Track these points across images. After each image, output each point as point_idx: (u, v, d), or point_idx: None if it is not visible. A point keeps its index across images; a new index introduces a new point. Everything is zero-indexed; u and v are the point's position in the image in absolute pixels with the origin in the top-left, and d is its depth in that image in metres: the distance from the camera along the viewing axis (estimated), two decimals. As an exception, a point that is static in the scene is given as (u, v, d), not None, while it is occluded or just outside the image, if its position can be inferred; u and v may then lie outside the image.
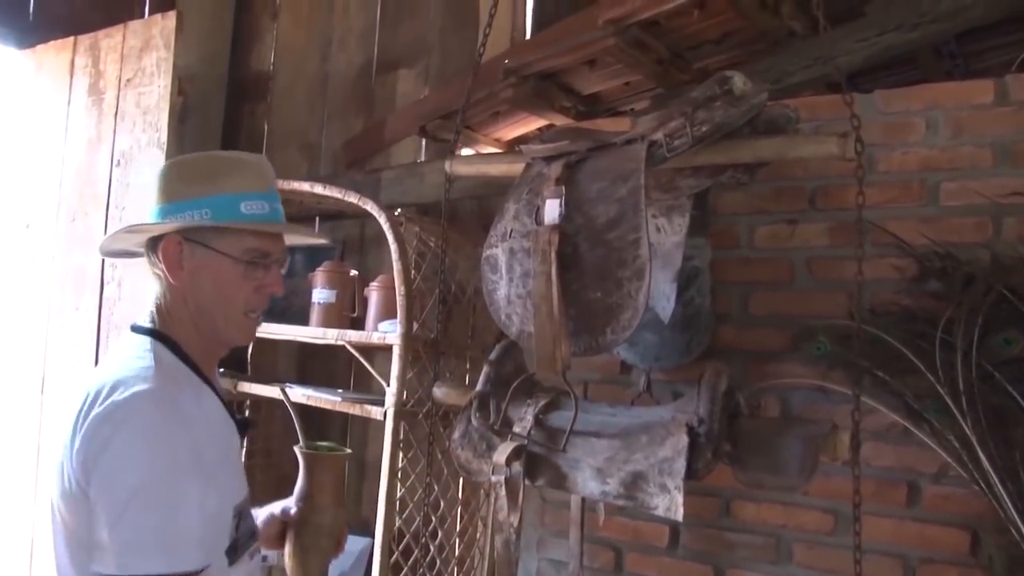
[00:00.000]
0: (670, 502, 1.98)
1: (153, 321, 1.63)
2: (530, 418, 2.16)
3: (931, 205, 2.28)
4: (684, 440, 1.97)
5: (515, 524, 2.27)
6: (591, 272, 1.99)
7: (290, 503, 1.87)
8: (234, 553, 1.56)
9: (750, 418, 2.09)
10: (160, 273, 1.63)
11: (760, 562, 2.40)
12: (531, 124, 3.44)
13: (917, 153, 2.30)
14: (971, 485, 2.05)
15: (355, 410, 2.79)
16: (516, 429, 2.16)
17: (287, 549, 1.84)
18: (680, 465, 1.97)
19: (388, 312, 2.84)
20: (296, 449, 1.88)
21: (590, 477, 2.05)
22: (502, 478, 2.13)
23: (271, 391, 3.02)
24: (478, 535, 2.97)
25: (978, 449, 2.01)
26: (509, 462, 2.11)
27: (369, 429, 3.47)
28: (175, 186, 1.62)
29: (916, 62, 3.68)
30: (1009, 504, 1.99)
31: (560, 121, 3.30)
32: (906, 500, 2.25)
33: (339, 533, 1.84)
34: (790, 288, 2.40)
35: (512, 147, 3.49)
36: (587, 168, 2.14)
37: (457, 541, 2.93)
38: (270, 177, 1.70)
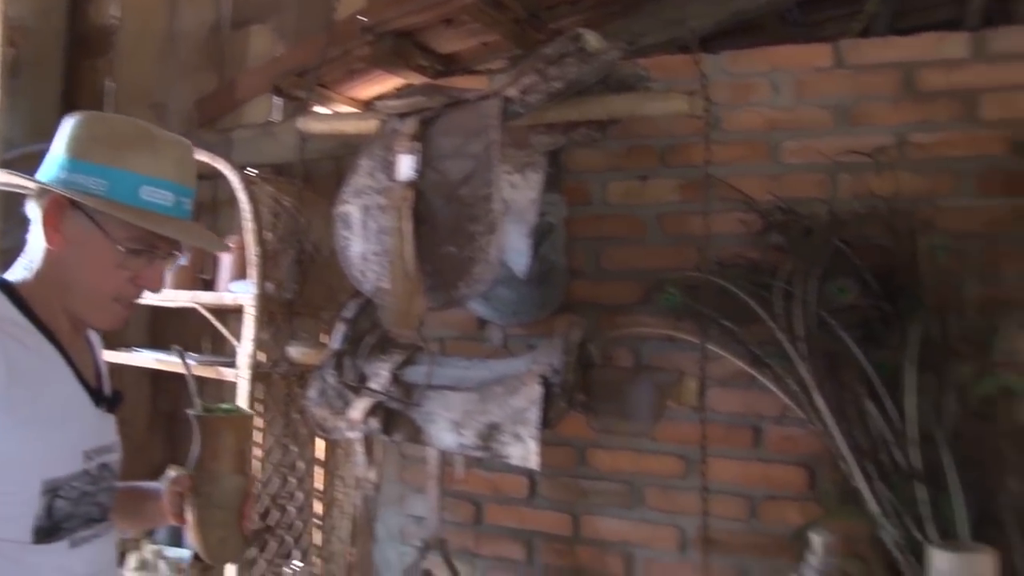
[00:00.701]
0: (525, 451, 2.02)
1: (25, 270, 1.48)
2: (386, 374, 2.16)
3: (774, 163, 2.38)
4: (538, 391, 2.01)
5: (373, 479, 2.28)
6: (445, 227, 2.00)
7: (179, 474, 1.70)
8: (49, 534, 1.40)
9: (603, 368, 2.15)
10: (37, 227, 1.45)
11: (615, 507, 2.49)
12: (388, 83, 3.41)
13: (761, 113, 2.40)
14: (808, 426, 2.18)
15: (209, 373, 2.72)
16: (372, 385, 2.15)
17: (187, 522, 1.65)
18: (534, 415, 2.01)
19: (241, 273, 2.77)
20: (189, 413, 1.75)
21: (446, 430, 2.07)
22: (359, 434, 2.12)
23: (122, 357, 2.91)
24: (338, 494, 2.95)
25: (813, 391, 2.12)
26: (365, 418, 2.10)
27: (227, 394, 3.39)
28: (83, 143, 1.45)
29: (765, 29, 3.81)
30: (840, 440, 2.12)
31: (417, 80, 3.28)
32: (751, 442, 2.36)
33: (240, 503, 1.66)
34: (642, 243, 2.47)
35: (368, 106, 3.45)
36: (441, 125, 2.13)
37: (318, 501, 2.90)
38: (187, 166, 1.52)
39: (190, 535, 1.65)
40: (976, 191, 2.20)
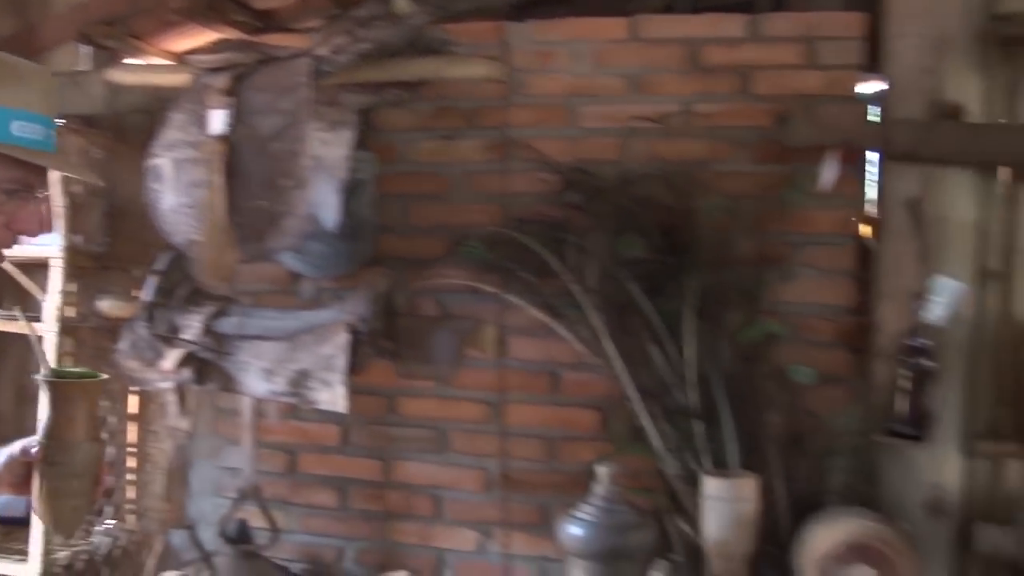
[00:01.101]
0: (333, 395, 2.13)
1: None
2: (198, 325, 2.21)
3: (573, 127, 2.54)
4: (345, 338, 2.12)
5: (186, 429, 2.32)
6: (256, 181, 2.06)
7: (32, 441, 1.59)
8: None
9: (408, 317, 2.27)
10: None
11: (424, 452, 2.62)
12: (203, 37, 3.37)
13: (562, 80, 2.55)
14: (600, 370, 2.38)
15: (11, 327, 2.67)
16: (184, 336, 2.20)
17: (34, 493, 1.55)
18: (342, 361, 2.11)
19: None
20: (37, 378, 1.57)
21: (258, 378, 2.14)
22: (171, 384, 2.16)
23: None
24: (151, 449, 2.95)
25: (603, 339, 2.32)
26: (178, 368, 2.15)
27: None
28: None
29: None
30: (628, 384, 2.33)
31: (233, 35, 3.26)
32: (548, 388, 2.54)
33: (95, 471, 1.59)
34: (448, 200, 2.59)
35: (182, 59, 3.41)
36: (253, 81, 2.18)
37: (131, 456, 2.90)
38: (53, 97, 1.40)
39: (39, 506, 1.56)
40: (749, 158, 2.44)
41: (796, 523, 2.20)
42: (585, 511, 2.06)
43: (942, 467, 2.29)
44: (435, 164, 2.60)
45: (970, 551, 2.27)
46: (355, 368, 2.13)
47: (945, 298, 2.24)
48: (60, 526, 1.59)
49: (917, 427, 2.22)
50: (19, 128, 1.32)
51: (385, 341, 2.19)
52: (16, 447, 1.58)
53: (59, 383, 1.60)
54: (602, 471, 2.09)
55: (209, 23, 3.30)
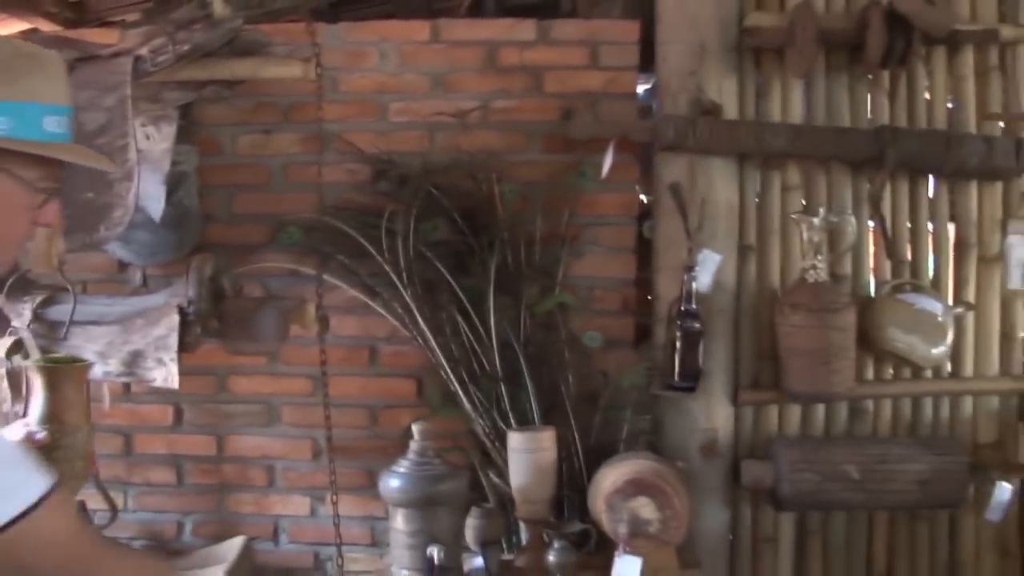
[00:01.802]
0: (167, 373, 2.29)
1: None
2: (28, 313, 2.31)
3: (383, 121, 2.77)
4: (175, 319, 2.28)
5: (20, 414, 2.41)
6: (83, 175, 2.18)
7: (30, 427, 1.59)
8: None
9: (234, 299, 2.44)
10: None
11: (255, 427, 2.80)
12: (13, 26, 3.38)
13: (372, 77, 2.77)
14: (414, 343, 2.62)
15: None
16: (15, 324, 2.30)
17: None
18: (173, 340, 2.27)
19: None
20: (29, 364, 1.63)
21: (92, 361, 2.27)
22: (3, 370, 2.26)
23: None
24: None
25: (416, 314, 2.57)
26: (10, 355, 2.25)
27: None
28: None
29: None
30: (439, 353, 2.59)
31: (46, 26, 3.30)
32: (368, 361, 2.77)
33: (91, 453, 1.65)
34: (268, 190, 2.77)
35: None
36: (75, 77, 2.29)
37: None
38: (68, 83, 1.31)
39: None
40: (540, 148, 2.73)
41: (592, 470, 2.50)
42: (402, 465, 2.31)
43: (713, 415, 2.65)
44: (255, 156, 2.77)
45: (739, 484, 2.65)
46: (185, 347, 2.29)
47: (709, 269, 2.60)
48: None
49: (690, 381, 2.57)
50: (51, 124, 1.25)
51: (213, 322, 2.35)
52: (17, 434, 1.57)
53: (57, 369, 1.65)
54: (415, 428, 2.34)
55: (20, 13, 3.32)
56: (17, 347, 2.25)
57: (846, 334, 2.53)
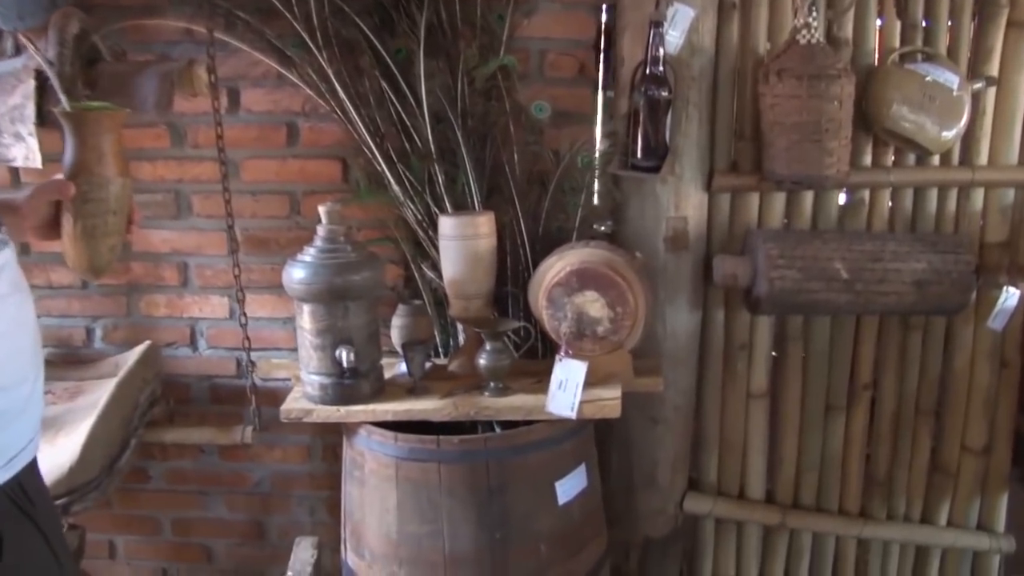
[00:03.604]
0: (27, 150, 1.95)
1: None
2: None
3: None
4: (32, 85, 1.91)
5: None
6: None
7: (58, 180, 1.47)
8: None
9: (111, 63, 2.06)
10: None
11: (164, 218, 2.47)
12: None
13: None
14: (337, 118, 2.24)
15: None
16: None
17: (66, 234, 1.48)
18: (30, 111, 1.92)
19: None
20: (59, 111, 1.46)
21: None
22: None
23: None
24: None
25: (334, 80, 2.18)
26: None
27: None
28: None
29: None
30: (362, 128, 2.22)
31: None
32: (285, 140, 2.41)
33: (129, 207, 1.52)
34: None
35: None
36: None
37: None
38: None
39: (72, 247, 1.48)
40: None
41: (539, 262, 2.18)
42: (307, 254, 1.98)
43: (683, 201, 2.30)
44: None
45: (710, 283, 2.32)
46: (45, 117, 1.93)
47: (681, 26, 2.19)
48: (95, 267, 1.51)
49: (654, 159, 2.21)
50: None
51: (83, 88, 1.99)
52: (47, 184, 1.46)
53: (86, 113, 1.48)
54: (323, 211, 2.00)
55: None
56: None
57: (841, 107, 2.13)
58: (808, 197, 2.33)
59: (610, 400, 1.97)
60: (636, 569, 2.55)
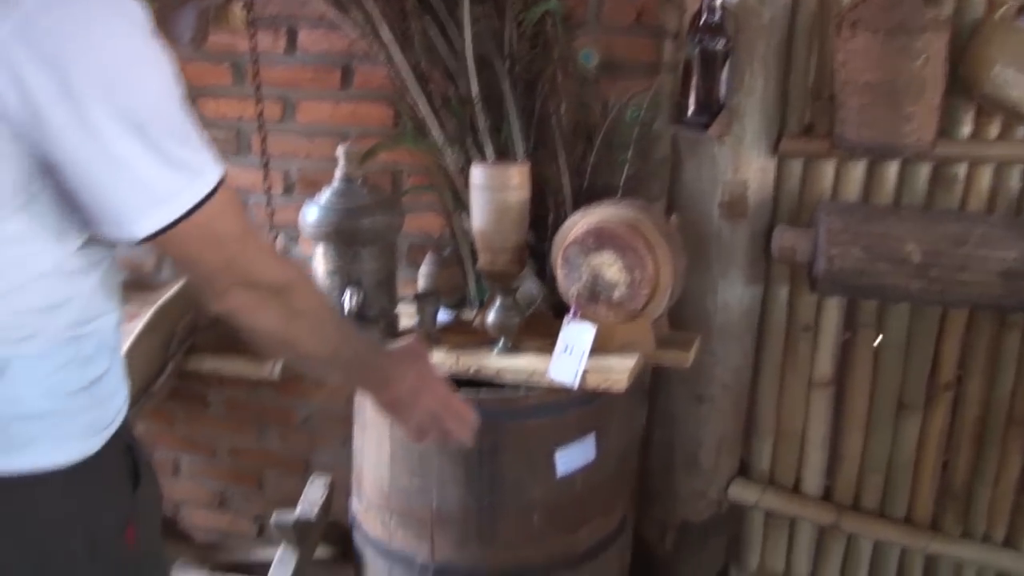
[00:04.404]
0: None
1: None
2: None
3: None
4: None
5: None
6: None
7: None
8: None
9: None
10: None
11: (225, 154, 2.50)
12: None
13: None
14: (382, 60, 2.19)
15: None
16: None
17: None
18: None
19: None
20: None
21: None
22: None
23: None
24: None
25: (380, 25, 2.11)
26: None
27: None
28: None
29: None
30: (407, 73, 2.14)
31: None
32: (340, 83, 2.38)
33: None
34: None
35: None
36: None
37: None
38: None
39: None
40: None
41: (578, 220, 2.06)
42: (324, 195, 1.95)
43: (744, 165, 2.10)
44: None
45: (768, 254, 2.12)
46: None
47: (749, -30, 1.99)
48: None
49: (706, 116, 2.03)
50: None
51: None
52: None
53: None
54: (341, 152, 1.96)
55: None
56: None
57: (928, 67, 1.87)
58: (892, 169, 2.07)
59: (618, 373, 1.84)
60: (671, 552, 2.40)
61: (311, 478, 2.32)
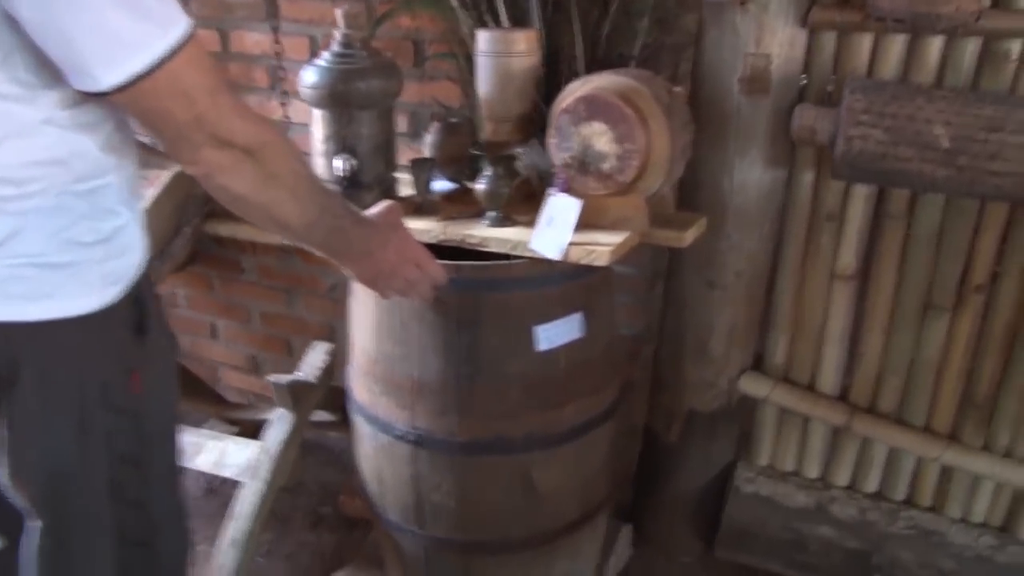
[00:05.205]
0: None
1: None
2: None
3: None
4: None
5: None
6: None
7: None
8: None
9: None
10: None
11: (255, 20, 2.49)
12: None
13: None
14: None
15: None
16: None
17: None
18: None
19: None
20: None
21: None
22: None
23: None
24: None
25: None
26: None
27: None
28: None
29: None
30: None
31: None
32: None
33: None
34: None
35: None
36: None
37: None
38: None
39: None
40: None
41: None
42: (321, 58, 1.92)
43: (767, 37, 1.95)
44: None
45: (787, 134, 1.99)
46: None
47: None
48: None
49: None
50: None
51: None
52: None
53: None
54: (339, 13, 1.91)
55: None
56: None
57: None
58: (935, 45, 1.89)
59: (602, 246, 1.77)
60: (677, 443, 2.35)
61: (312, 343, 2.36)
